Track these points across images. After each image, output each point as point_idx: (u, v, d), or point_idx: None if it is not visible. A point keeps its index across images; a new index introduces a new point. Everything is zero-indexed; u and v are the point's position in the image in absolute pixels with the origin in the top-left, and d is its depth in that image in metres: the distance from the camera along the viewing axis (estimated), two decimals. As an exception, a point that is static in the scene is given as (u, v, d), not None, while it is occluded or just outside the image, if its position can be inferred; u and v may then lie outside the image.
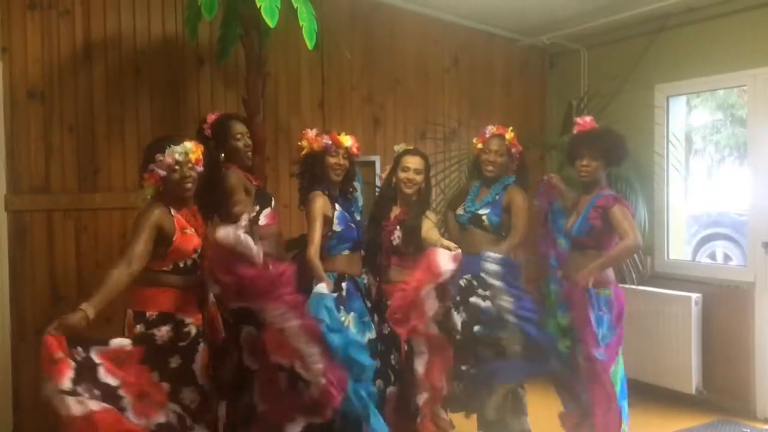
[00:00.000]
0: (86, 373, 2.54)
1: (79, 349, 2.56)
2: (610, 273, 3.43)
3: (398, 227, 3.56)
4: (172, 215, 2.90)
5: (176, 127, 4.13)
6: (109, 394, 2.58)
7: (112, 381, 2.62)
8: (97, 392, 2.54)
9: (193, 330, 2.91)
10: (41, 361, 2.48)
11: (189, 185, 2.94)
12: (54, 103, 4.00)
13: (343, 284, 3.37)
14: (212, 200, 3.34)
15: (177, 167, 2.89)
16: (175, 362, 2.83)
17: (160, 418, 2.73)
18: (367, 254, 3.60)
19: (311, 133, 3.51)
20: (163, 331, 2.81)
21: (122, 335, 2.85)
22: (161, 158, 2.87)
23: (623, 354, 3.43)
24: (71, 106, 4.05)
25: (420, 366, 3.37)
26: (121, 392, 2.63)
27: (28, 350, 3.82)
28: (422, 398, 3.36)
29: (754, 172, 4.51)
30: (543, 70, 5.91)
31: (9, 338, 3.86)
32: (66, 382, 2.45)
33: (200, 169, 2.98)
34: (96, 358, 2.60)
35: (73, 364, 2.49)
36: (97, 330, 3.82)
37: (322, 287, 3.18)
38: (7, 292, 3.86)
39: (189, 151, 2.92)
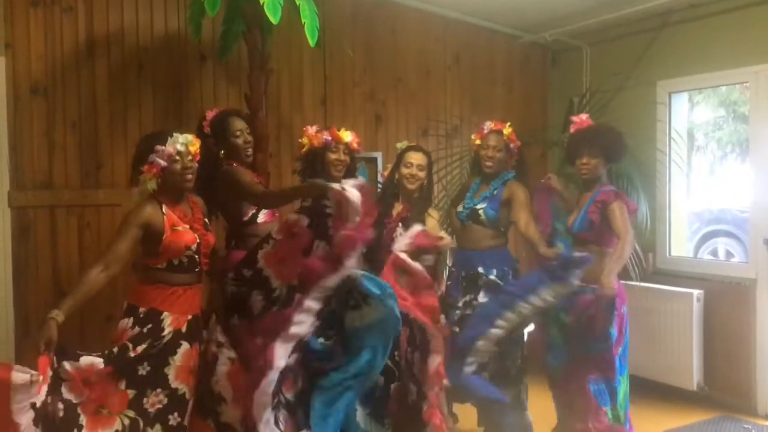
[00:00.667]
0: (53, 386, 2.52)
1: (54, 358, 2.54)
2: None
3: (401, 224, 3.57)
4: (162, 213, 2.84)
5: (179, 124, 4.14)
6: (67, 410, 2.57)
7: (74, 398, 2.60)
8: (60, 405, 2.54)
9: (172, 332, 2.83)
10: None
11: (190, 176, 2.91)
12: (57, 100, 4.02)
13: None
14: (215, 198, 3.35)
15: (178, 157, 2.85)
16: (143, 370, 2.77)
17: (112, 429, 2.68)
18: (368, 251, 3.60)
19: (312, 129, 3.52)
20: (138, 350, 2.75)
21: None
22: (162, 148, 2.82)
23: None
24: (74, 102, 4.07)
25: (433, 364, 3.37)
26: (79, 410, 2.61)
27: (32, 346, 3.83)
28: (433, 391, 3.36)
29: (755, 168, 4.50)
30: (545, 66, 5.91)
31: (12, 334, 3.88)
32: (41, 396, 2.46)
33: (195, 165, 2.96)
34: (65, 374, 2.58)
35: (47, 382, 2.49)
36: (99, 328, 3.88)
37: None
38: (10, 289, 3.88)
39: (189, 142, 2.90)
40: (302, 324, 2.83)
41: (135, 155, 2.94)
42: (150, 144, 2.87)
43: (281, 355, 2.77)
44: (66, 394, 2.58)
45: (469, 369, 3.39)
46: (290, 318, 2.82)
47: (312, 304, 2.85)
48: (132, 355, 2.73)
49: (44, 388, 2.47)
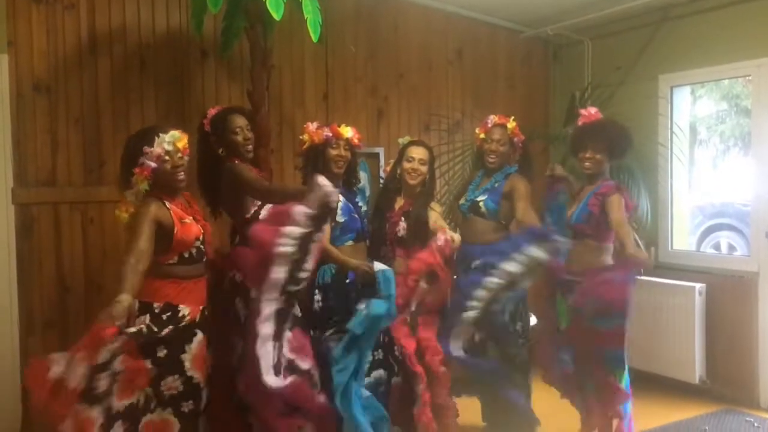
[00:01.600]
0: (107, 362, 2.57)
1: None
2: (611, 262, 3.44)
3: (403, 218, 3.58)
4: (167, 208, 2.87)
5: (181, 120, 4.14)
6: (111, 382, 2.61)
7: (117, 368, 2.63)
8: (109, 380, 2.58)
9: (188, 320, 2.88)
10: (89, 339, 2.51)
11: (182, 175, 2.93)
12: (59, 97, 4.02)
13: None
14: (218, 196, 3.36)
15: (167, 157, 2.86)
16: (161, 351, 2.80)
17: (131, 400, 2.72)
18: (371, 245, 3.62)
19: (312, 126, 3.53)
20: (159, 332, 2.78)
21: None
22: (150, 150, 2.83)
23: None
24: (77, 99, 4.07)
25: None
26: (118, 378, 2.65)
27: (36, 343, 3.85)
28: (421, 387, 3.38)
29: (758, 162, 4.50)
30: (547, 61, 5.90)
31: (17, 331, 3.88)
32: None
33: (187, 158, 2.97)
34: (122, 347, 2.62)
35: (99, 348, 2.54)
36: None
37: (380, 264, 3.29)
38: (14, 286, 3.88)
39: (176, 139, 2.90)
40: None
41: (123, 157, 2.94)
42: (137, 145, 2.87)
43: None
44: (117, 366, 2.62)
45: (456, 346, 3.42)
46: None
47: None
48: (153, 334, 2.77)
49: (102, 356, 2.52)
